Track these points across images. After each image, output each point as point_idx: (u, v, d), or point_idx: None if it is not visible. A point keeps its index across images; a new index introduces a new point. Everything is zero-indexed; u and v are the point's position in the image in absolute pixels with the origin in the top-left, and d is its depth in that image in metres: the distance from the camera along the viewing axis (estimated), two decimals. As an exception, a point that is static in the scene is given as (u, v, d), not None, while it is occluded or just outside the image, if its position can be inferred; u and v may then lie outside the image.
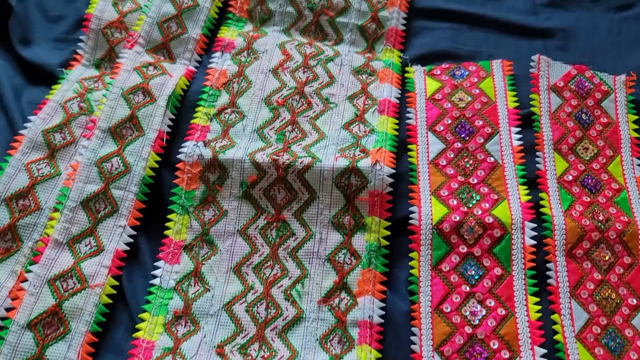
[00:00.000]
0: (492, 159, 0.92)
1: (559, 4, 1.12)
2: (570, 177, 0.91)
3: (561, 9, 1.12)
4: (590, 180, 0.92)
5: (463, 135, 0.94)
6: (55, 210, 0.82)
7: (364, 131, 0.93)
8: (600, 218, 0.87)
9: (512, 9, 1.12)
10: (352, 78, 0.99)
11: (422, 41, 1.07)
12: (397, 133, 0.93)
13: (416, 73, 1.01)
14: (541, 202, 0.89)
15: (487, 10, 1.11)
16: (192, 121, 0.93)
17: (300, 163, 0.86)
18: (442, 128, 0.94)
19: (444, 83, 0.99)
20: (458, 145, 0.93)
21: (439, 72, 1.01)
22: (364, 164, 0.86)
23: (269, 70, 0.98)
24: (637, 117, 0.98)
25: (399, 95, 0.98)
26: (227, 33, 1.04)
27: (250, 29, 1.06)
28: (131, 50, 0.98)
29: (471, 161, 0.92)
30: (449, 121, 0.95)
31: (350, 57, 1.02)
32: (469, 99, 0.97)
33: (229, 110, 0.94)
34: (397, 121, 0.95)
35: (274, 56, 1.00)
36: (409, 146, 0.93)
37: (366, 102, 0.97)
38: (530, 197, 0.89)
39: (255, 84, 0.97)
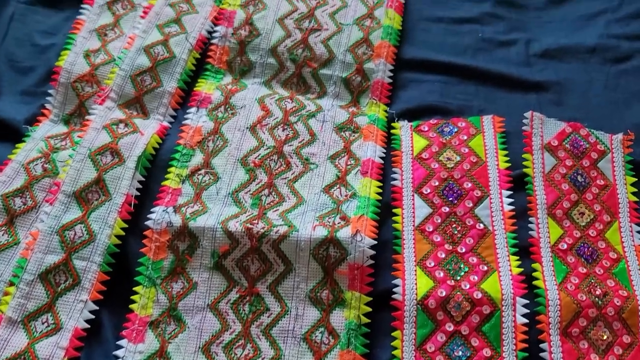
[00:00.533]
0: (481, 225, 0.86)
1: (553, 55, 1.08)
2: (565, 246, 0.86)
3: (555, 60, 1.07)
4: (586, 249, 0.86)
5: (451, 199, 0.88)
6: (11, 284, 0.77)
7: (345, 195, 0.87)
8: (598, 292, 0.81)
9: (505, 60, 1.07)
10: (335, 136, 0.94)
11: (409, 94, 1.02)
12: (380, 197, 0.88)
13: (403, 129, 0.96)
14: (534, 274, 0.83)
15: (478, 61, 1.06)
16: (163, 183, 0.88)
17: (276, 232, 0.80)
18: (429, 190, 0.89)
19: (431, 141, 0.94)
20: (446, 209, 0.87)
21: (426, 129, 0.96)
22: (344, 234, 0.80)
23: (247, 128, 0.93)
24: (636, 179, 0.92)
25: (384, 155, 0.93)
26: (205, 86, 0.99)
27: (230, 81, 1.01)
28: (102, 106, 0.93)
29: (459, 227, 0.86)
30: (437, 183, 0.90)
31: (333, 113, 0.97)
32: (458, 158, 0.92)
33: (202, 171, 0.89)
34: (380, 184, 0.89)
35: (252, 112, 0.95)
36: (394, 210, 0.88)
37: (349, 163, 0.91)
38: (522, 269, 0.83)
39: (232, 142, 0.92)
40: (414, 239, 0.85)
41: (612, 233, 0.88)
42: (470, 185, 0.89)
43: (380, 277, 0.82)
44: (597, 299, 0.80)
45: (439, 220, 0.86)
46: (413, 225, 0.86)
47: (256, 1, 1.07)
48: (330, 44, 1.03)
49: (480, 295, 0.79)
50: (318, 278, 0.80)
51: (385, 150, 0.94)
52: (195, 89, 0.99)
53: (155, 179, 0.89)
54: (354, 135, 0.95)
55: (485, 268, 0.83)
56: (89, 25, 1.02)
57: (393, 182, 0.90)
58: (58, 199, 0.83)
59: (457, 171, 0.90)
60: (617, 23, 1.11)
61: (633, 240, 0.87)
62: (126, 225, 0.84)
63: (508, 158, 0.93)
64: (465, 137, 0.95)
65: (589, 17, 1.13)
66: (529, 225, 0.87)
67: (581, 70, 1.06)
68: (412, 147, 0.94)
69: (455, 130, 0.96)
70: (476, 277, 0.82)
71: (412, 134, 0.95)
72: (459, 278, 0.82)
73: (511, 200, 0.89)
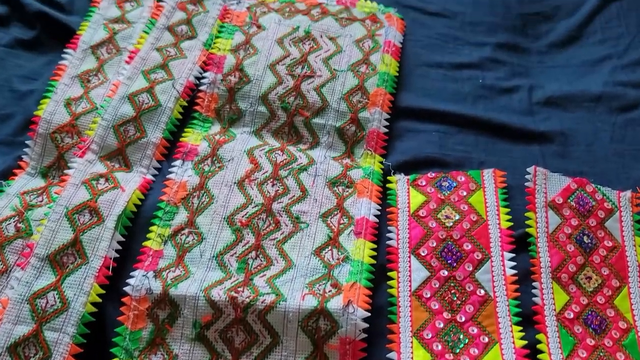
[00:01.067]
0: (482, 291, 0.81)
1: (557, 103, 1.03)
2: (572, 314, 0.80)
3: (559, 109, 1.02)
4: (594, 318, 0.81)
5: (450, 261, 0.83)
6: (-24, 359, 0.71)
7: (338, 259, 0.82)
8: None
9: (506, 109, 1.02)
10: (327, 191, 0.89)
11: (406, 145, 0.97)
12: (374, 261, 0.83)
13: (399, 183, 0.91)
14: (539, 346, 0.78)
15: (478, 110, 1.01)
16: (144, 244, 0.83)
17: (262, 302, 0.75)
18: (426, 252, 0.84)
19: (429, 196, 0.89)
20: (444, 273, 0.82)
21: (424, 183, 0.91)
22: (335, 304, 0.75)
23: (234, 183, 0.88)
24: (646, 241, 0.87)
25: (379, 212, 0.88)
26: (191, 136, 0.94)
27: (218, 130, 0.96)
28: (82, 158, 0.88)
29: (459, 293, 0.81)
30: (435, 243, 0.84)
31: (326, 166, 0.92)
32: (457, 216, 0.87)
33: (186, 230, 0.84)
34: (374, 245, 0.84)
35: (240, 165, 0.90)
36: (389, 273, 0.83)
37: (341, 221, 0.86)
38: (525, 341, 0.78)
39: (218, 199, 0.86)
40: (410, 306, 0.80)
41: (622, 300, 0.82)
42: (470, 246, 0.84)
43: (374, 348, 0.77)
44: (606, 375, 0.75)
45: (437, 285, 0.81)
46: (409, 291, 0.81)
47: (247, 46, 1.03)
48: (323, 91, 0.98)
49: (481, 371, 0.74)
50: (307, 352, 0.74)
51: (380, 207, 0.89)
52: (181, 139, 0.94)
53: (136, 239, 0.84)
54: (347, 191, 0.90)
55: (486, 340, 0.77)
56: (71, 70, 0.97)
57: (388, 242, 0.85)
58: (30, 262, 0.77)
59: (457, 231, 0.85)
60: (622, 70, 1.07)
61: (644, 308, 0.82)
62: (103, 291, 0.78)
63: (510, 217, 0.88)
64: (465, 193, 0.90)
65: (594, 63, 1.09)
66: (533, 290, 0.82)
67: (586, 119, 1.01)
68: (408, 203, 0.89)
69: (455, 185, 0.91)
70: (476, 350, 0.76)
71: (409, 188, 0.91)
72: (458, 351, 0.76)
73: (513, 263, 0.84)
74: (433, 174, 0.92)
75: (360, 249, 0.83)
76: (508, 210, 0.89)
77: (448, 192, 0.90)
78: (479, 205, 0.89)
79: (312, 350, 0.74)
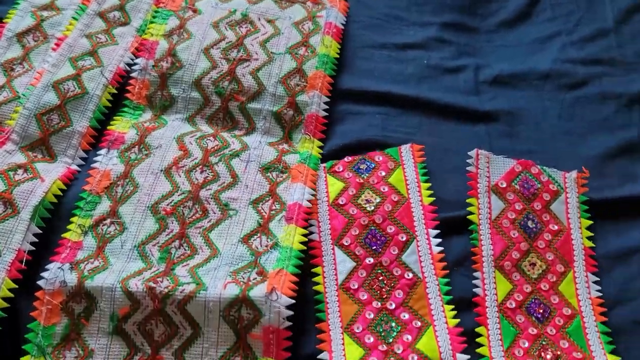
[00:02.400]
0: (410, 274, 0.77)
1: (505, 82, 1.00)
2: (514, 304, 0.76)
3: (506, 88, 0.99)
4: (537, 306, 0.77)
5: (375, 247, 0.79)
6: None
7: (266, 246, 0.78)
8: (549, 356, 0.72)
9: (452, 89, 0.99)
10: (260, 177, 0.85)
11: (347, 128, 0.93)
12: (304, 247, 0.79)
13: (319, 172, 0.87)
14: (478, 340, 0.74)
15: (422, 90, 0.97)
16: (63, 235, 0.78)
17: (181, 292, 0.71)
18: (349, 241, 0.79)
19: (347, 182, 0.85)
20: (370, 260, 0.78)
21: (341, 169, 0.87)
22: (258, 292, 0.71)
23: (161, 171, 0.84)
24: (592, 222, 0.83)
25: (313, 197, 0.84)
26: (119, 124, 0.90)
27: (149, 118, 0.92)
28: (1, 149, 0.84)
29: (387, 280, 0.77)
30: (357, 231, 0.80)
31: (260, 151, 0.88)
32: (378, 199, 0.83)
33: (108, 221, 0.80)
34: (306, 232, 0.80)
35: (168, 152, 0.86)
36: (314, 269, 0.78)
37: (273, 207, 0.82)
38: (458, 319, 0.74)
39: (143, 187, 0.82)
40: (338, 300, 0.76)
41: (567, 285, 0.79)
42: (394, 229, 0.80)
43: (304, 340, 0.73)
44: (547, 364, 0.71)
45: (364, 275, 0.77)
46: (336, 284, 0.77)
47: (181, 30, 0.99)
48: (260, 75, 0.94)
49: (416, 358, 0.70)
50: (230, 343, 0.70)
51: (314, 192, 0.85)
52: (108, 127, 0.90)
53: (56, 231, 0.79)
54: (281, 176, 0.86)
55: (419, 324, 0.74)
56: (-5, 59, 0.94)
57: (310, 237, 0.81)
58: (-63, 258, 0.73)
59: (379, 214, 0.81)
60: (572, 46, 1.03)
61: (589, 293, 0.78)
62: (16, 286, 0.74)
63: (432, 192, 0.84)
64: (384, 173, 0.86)
65: (543, 41, 1.05)
66: (474, 281, 0.78)
67: (534, 98, 0.98)
68: (327, 192, 0.85)
69: (373, 166, 0.87)
70: (410, 337, 0.72)
71: (326, 176, 0.86)
72: (391, 340, 0.72)
73: (439, 240, 0.80)
74: (350, 158, 0.88)
75: (291, 235, 0.79)
76: (429, 185, 0.85)
77: (367, 174, 0.86)
78: (400, 184, 0.85)
79: (235, 341, 0.70)
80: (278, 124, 0.93)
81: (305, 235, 0.80)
